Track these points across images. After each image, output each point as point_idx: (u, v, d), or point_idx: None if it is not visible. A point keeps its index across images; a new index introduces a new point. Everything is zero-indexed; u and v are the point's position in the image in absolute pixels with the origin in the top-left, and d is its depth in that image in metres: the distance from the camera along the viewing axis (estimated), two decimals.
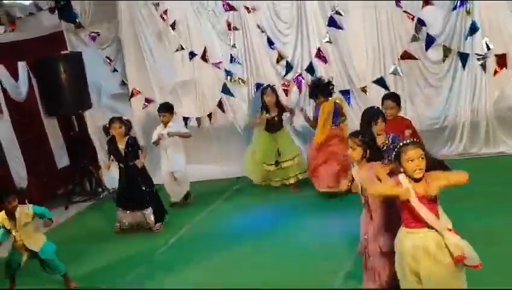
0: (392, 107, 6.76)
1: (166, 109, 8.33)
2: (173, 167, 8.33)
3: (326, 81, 8.18)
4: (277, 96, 8.35)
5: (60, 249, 7.33)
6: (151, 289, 6.13)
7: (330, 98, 7.97)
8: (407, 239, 4.32)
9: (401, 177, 4.28)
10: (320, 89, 8.00)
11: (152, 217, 7.73)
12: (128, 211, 7.80)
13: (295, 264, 6.10)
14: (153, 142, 8.31)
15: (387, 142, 5.84)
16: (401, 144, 4.35)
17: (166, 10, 9.52)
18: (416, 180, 4.23)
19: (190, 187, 8.59)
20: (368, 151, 4.94)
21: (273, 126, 8.33)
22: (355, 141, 4.94)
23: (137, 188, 7.70)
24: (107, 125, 7.72)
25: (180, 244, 7.25)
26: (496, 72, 8.42)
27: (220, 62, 9.47)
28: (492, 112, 8.53)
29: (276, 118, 8.31)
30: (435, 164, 4.32)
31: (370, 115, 6.02)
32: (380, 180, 4.49)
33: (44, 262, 6.17)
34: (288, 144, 8.42)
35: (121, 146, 7.64)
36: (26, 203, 6.21)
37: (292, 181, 8.39)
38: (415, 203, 4.23)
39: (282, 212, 7.69)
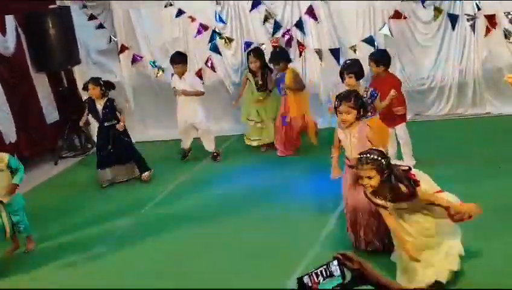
0: (373, 65, 6.77)
1: (180, 59, 8.10)
2: (192, 119, 8.20)
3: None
4: (262, 59, 8.21)
5: (47, 203, 7.45)
6: None
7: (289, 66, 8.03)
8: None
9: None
10: (284, 55, 8.07)
11: (136, 169, 7.89)
12: (107, 169, 7.89)
13: (276, 225, 6.15)
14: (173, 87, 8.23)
15: (365, 95, 5.91)
16: (358, 157, 4.36)
17: None
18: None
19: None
20: (362, 110, 5.02)
21: (259, 88, 8.25)
22: (350, 104, 4.98)
23: (118, 145, 7.77)
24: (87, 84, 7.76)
25: (169, 200, 7.34)
26: (487, 31, 8.41)
27: (207, 27, 9.41)
28: (480, 73, 8.57)
29: (260, 82, 8.23)
30: (401, 180, 4.30)
31: (340, 71, 6.18)
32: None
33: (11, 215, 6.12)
34: (271, 106, 8.30)
35: (99, 106, 7.67)
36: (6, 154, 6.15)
37: (267, 141, 8.35)
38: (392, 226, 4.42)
39: (263, 174, 7.73)
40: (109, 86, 7.82)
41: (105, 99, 7.68)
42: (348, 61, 6.34)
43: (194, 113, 8.19)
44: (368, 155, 4.27)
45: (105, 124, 7.74)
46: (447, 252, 4.46)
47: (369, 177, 4.25)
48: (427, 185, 4.43)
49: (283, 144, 8.12)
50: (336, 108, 5.13)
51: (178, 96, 8.18)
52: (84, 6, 9.74)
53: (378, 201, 4.39)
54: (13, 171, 6.03)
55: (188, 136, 8.43)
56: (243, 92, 8.47)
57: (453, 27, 8.49)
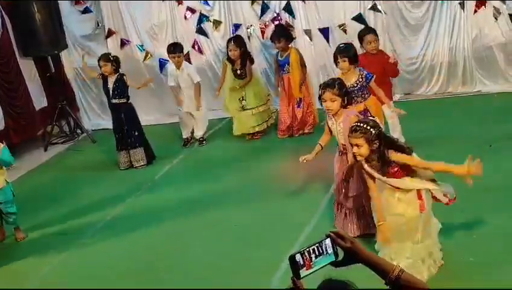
0: (374, 40, 6.71)
1: (178, 49, 8.04)
2: (191, 108, 8.17)
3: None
4: (242, 47, 8.07)
5: (37, 190, 7.40)
6: None
7: (290, 45, 7.97)
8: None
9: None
10: (285, 33, 8.00)
11: (138, 156, 7.84)
12: (122, 151, 7.87)
13: (268, 209, 6.16)
14: (171, 85, 8.20)
15: (360, 79, 5.88)
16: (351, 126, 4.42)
17: None
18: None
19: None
20: (346, 99, 4.97)
21: (239, 76, 8.13)
22: (334, 92, 4.94)
23: (127, 129, 7.75)
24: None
25: (161, 185, 7.31)
26: (476, 10, 8.38)
27: (194, 10, 9.32)
28: (470, 52, 8.55)
29: (239, 71, 8.09)
30: (393, 146, 4.38)
31: (334, 55, 6.08)
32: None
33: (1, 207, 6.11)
34: (253, 93, 8.17)
35: (111, 83, 7.63)
36: (2, 143, 6.14)
37: (257, 129, 8.24)
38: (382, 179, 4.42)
39: (256, 154, 7.75)
40: (119, 62, 7.77)
41: (116, 75, 7.62)
42: (342, 45, 6.23)
43: (193, 104, 8.17)
44: (360, 124, 4.32)
45: (113, 100, 7.68)
46: (426, 256, 4.47)
47: (358, 146, 4.29)
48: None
49: (289, 125, 8.09)
50: (319, 96, 5.10)
51: (179, 88, 8.14)
52: None
53: (368, 169, 4.40)
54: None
55: (189, 124, 8.37)
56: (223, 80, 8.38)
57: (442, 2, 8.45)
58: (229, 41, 8.20)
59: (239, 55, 8.03)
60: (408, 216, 4.39)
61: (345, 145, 5.00)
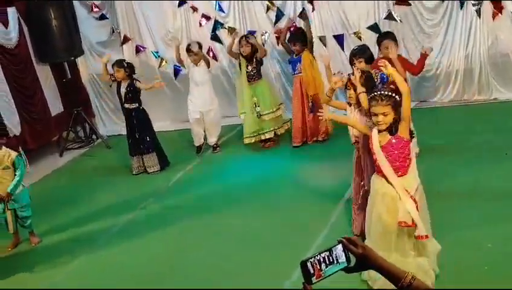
0: (392, 45, 6.67)
1: (194, 47, 8.01)
2: (208, 106, 8.15)
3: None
4: (254, 47, 8.00)
5: (53, 195, 7.45)
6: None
7: (306, 49, 7.98)
8: (374, 183, 4.46)
9: (374, 130, 4.35)
10: (302, 38, 7.99)
11: (151, 162, 7.86)
12: (134, 157, 7.91)
13: (283, 214, 6.15)
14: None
15: (375, 80, 5.85)
16: (372, 95, 4.34)
17: None
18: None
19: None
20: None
21: (251, 77, 8.06)
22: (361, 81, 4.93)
23: (141, 134, 7.78)
24: None
25: (174, 191, 7.32)
26: (494, 16, 8.31)
27: (209, 17, 9.36)
28: (486, 59, 8.48)
29: (253, 70, 8.02)
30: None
31: (349, 57, 6.08)
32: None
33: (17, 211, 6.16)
34: (266, 96, 8.13)
35: (123, 88, 7.68)
36: (19, 150, 6.20)
37: (267, 136, 8.17)
38: (376, 151, 4.30)
39: (269, 162, 7.74)
40: (133, 68, 7.82)
41: (129, 80, 7.67)
42: (357, 47, 6.24)
43: (211, 100, 8.20)
44: (383, 92, 4.25)
45: (126, 105, 7.74)
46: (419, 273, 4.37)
47: (384, 114, 4.21)
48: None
49: (303, 132, 8.06)
50: (348, 80, 5.07)
51: (193, 84, 8.14)
52: None
53: (374, 137, 4.33)
54: (15, 170, 6.03)
55: (199, 131, 8.34)
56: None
57: (461, 7, 8.38)
58: (241, 38, 8.18)
59: (250, 52, 7.99)
60: (392, 221, 4.31)
61: (357, 137, 4.99)
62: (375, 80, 5.82)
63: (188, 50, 8.03)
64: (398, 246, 4.35)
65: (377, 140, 4.31)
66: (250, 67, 8.05)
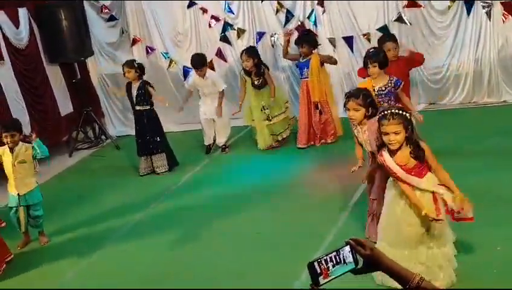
0: (394, 47, 6.68)
1: (202, 63, 8.00)
2: (214, 114, 8.20)
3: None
4: (256, 58, 8.02)
5: (61, 195, 7.47)
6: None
7: (314, 51, 7.96)
8: (389, 190, 4.46)
9: (385, 153, 4.31)
10: (309, 39, 7.97)
11: (160, 162, 7.86)
12: (142, 157, 7.92)
13: (291, 215, 6.14)
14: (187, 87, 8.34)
15: (389, 84, 5.83)
16: (380, 113, 4.30)
17: None
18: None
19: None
20: (370, 109, 4.90)
21: (259, 87, 8.09)
22: (358, 101, 4.86)
23: (151, 134, 7.78)
24: None
25: (183, 191, 7.32)
26: (504, 18, 8.28)
27: (218, 18, 9.37)
28: (496, 61, 8.46)
29: (257, 82, 8.04)
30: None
31: (364, 59, 6.05)
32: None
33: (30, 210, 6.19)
34: (275, 98, 8.10)
35: (134, 90, 7.67)
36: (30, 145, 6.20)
37: (284, 136, 8.24)
38: (396, 171, 4.27)
39: (278, 163, 7.74)
40: (143, 69, 7.81)
41: (140, 81, 7.66)
42: (372, 50, 6.13)
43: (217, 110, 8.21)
44: (394, 110, 4.20)
45: (137, 107, 7.73)
46: (444, 263, 4.39)
47: (396, 133, 4.17)
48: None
49: (309, 135, 8.06)
50: (344, 105, 5.06)
51: (203, 96, 8.21)
52: None
53: (388, 162, 4.29)
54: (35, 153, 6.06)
55: (210, 131, 8.38)
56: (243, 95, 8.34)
57: (468, 13, 8.37)
58: (241, 53, 8.18)
59: (252, 66, 7.99)
60: (422, 219, 4.30)
61: (372, 153, 4.96)
62: (389, 84, 5.82)
63: (195, 66, 8.02)
64: (423, 239, 4.34)
65: (391, 162, 4.28)
66: (256, 81, 8.06)
